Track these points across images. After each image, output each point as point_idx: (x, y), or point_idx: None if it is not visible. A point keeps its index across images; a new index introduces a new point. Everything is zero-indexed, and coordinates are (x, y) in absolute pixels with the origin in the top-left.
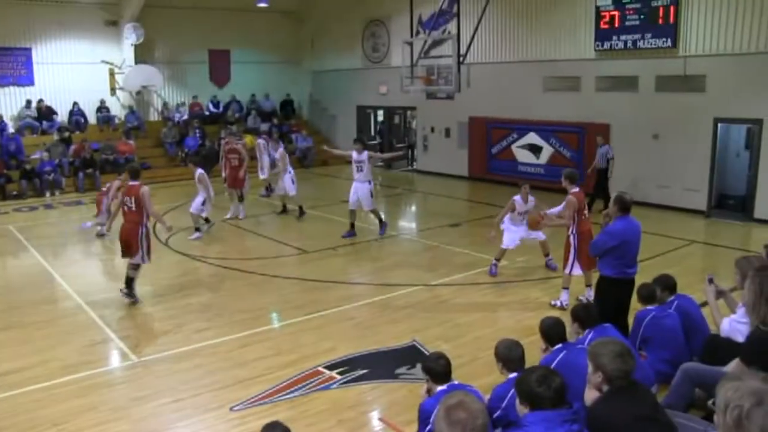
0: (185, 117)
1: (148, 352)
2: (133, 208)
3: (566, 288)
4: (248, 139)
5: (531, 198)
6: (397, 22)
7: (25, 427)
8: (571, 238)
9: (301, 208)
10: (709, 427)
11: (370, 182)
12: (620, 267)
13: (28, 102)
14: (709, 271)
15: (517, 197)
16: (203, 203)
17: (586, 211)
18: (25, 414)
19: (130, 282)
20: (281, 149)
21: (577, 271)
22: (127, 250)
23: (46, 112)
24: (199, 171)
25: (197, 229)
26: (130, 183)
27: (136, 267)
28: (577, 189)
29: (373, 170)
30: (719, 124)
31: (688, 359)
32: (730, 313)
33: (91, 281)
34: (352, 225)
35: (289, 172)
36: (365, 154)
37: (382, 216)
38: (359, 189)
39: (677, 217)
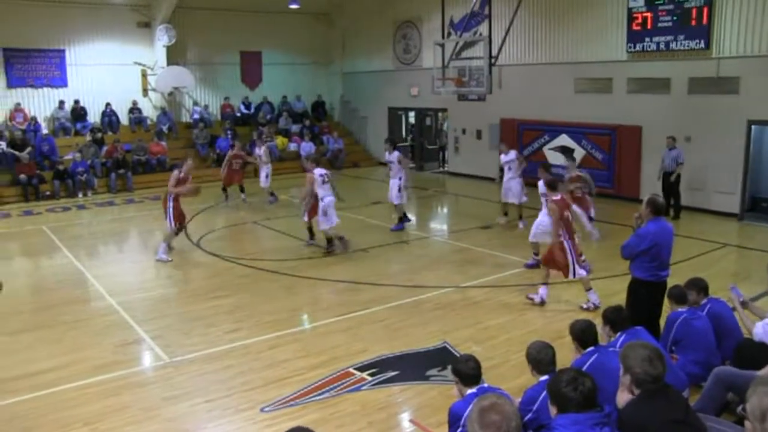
0: (195, 116)
1: (179, 352)
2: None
3: (589, 289)
4: (280, 140)
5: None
6: (428, 24)
7: (57, 426)
8: (565, 243)
9: (404, 216)
10: (741, 431)
11: (399, 179)
12: (653, 270)
13: (61, 103)
14: (743, 275)
15: (540, 181)
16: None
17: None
18: (57, 413)
19: (329, 240)
20: (397, 153)
21: (582, 272)
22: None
23: (79, 113)
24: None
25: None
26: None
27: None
28: (558, 196)
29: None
30: (753, 126)
31: (720, 362)
32: (757, 320)
33: (123, 281)
34: (399, 219)
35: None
36: (395, 154)
37: (407, 215)
38: (390, 185)
39: (710, 220)
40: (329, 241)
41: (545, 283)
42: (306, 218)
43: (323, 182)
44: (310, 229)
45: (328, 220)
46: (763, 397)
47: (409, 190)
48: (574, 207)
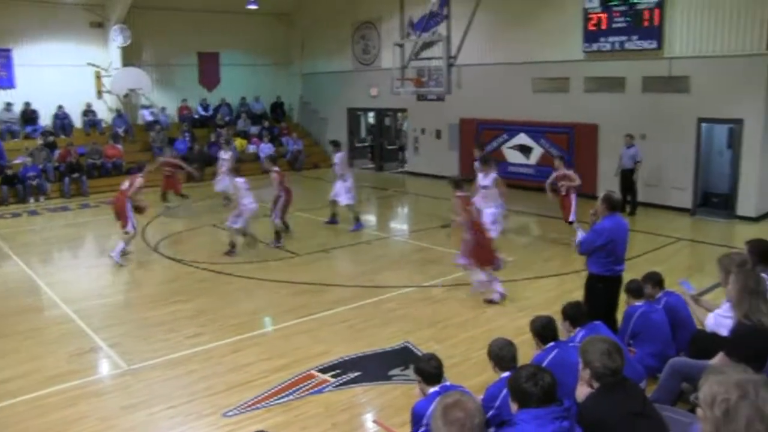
0: (148, 118)
1: (138, 359)
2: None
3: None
4: (238, 142)
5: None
6: (387, 24)
7: None
8: (467, 236)
9: (334, 216)
10: (695, 419)
11: (344, 179)
12: (608, 265)
13: (8, 105)
14: (696, 268)
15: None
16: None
17: (475, 215)
18: (11, 427)
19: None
20: (341, 154)
21: (462, 260)
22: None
23: (29, 116)
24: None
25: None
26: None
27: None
28: (462, 193)
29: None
30: (703, 124)
31: (675, 354)
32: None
33: (78, 288)
34: (356, 218)
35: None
36: (338, 155)
37: (336, 218)
38: (337, 187)
39: (664, 215)
40: (276, 235)
41: (493, 280)
42: (277, 219)
43: (246, 189)
44: (278, 233)
45: (235, 221)
46: (714, 384)
47: (367, 190)
48: (476, 204)
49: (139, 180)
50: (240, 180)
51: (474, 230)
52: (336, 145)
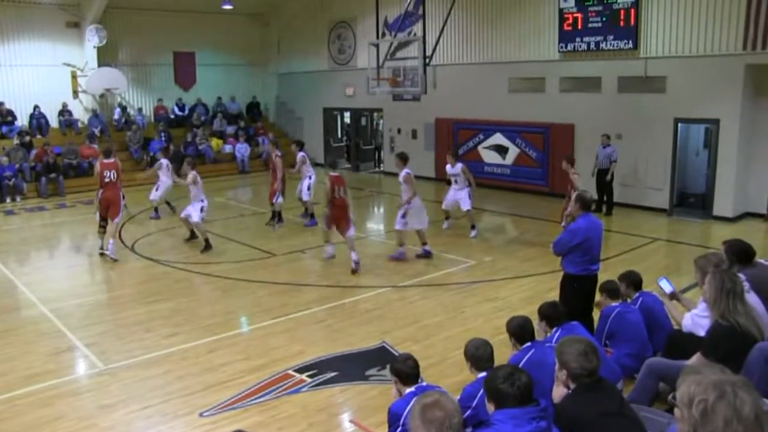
0: (116, 116)
1: (115, 359)
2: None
3: (328, 242)
4: (215, 142)
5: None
6: (363, 24)
7: None
8: (328, 210)
9: (311, 214)
10: (672, 419)
11: (309, 178)
12: (584, 264)
13: None
14: (673, 268)
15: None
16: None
17: (340, 192)
18: None
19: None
20: (302, 154)
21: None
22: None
23: (5, 117)
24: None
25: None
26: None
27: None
28: (334, 174)
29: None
30: (679, 124)
31: (652, 354)
32: (686, 311)
33: (55, 288)
34: (311, 214)
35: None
36: (300, 155)
37: (312, 212)
38: (301, 184)
39: (641, 216)
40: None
41: (328, 241)
42: (279, 199)
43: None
44: (279, 214)
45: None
46: (691, 384)
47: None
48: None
49: (119, 165)
50: (194, 173)
51: (332, 204)
52: (299, 144)
